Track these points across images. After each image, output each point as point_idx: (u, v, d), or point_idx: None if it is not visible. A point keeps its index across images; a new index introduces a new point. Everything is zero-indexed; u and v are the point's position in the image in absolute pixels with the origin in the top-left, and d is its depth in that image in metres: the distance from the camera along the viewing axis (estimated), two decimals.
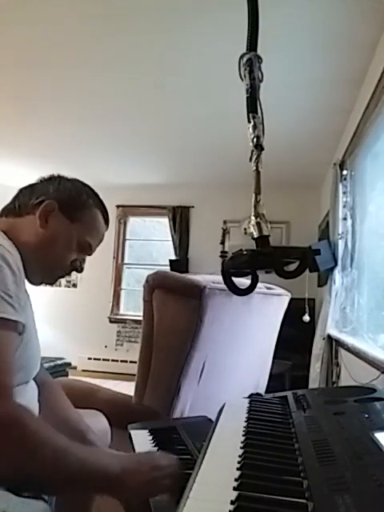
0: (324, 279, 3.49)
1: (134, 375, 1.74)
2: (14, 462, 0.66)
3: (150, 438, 1.07)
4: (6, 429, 0.65)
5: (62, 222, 0.98)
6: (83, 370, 5.20)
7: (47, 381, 1.09)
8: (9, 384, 0.71)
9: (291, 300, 2.25)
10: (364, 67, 2.42)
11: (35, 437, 0.68)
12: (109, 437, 1.29)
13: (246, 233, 0.92)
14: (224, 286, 1.01)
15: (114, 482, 0.71)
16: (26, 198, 1.00)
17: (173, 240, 5.29)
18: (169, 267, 5.11)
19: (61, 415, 1.02)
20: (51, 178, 1.05)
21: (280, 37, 2.22)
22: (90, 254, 1.07)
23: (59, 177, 1.06)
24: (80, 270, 1.05)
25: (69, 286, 5.57)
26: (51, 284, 1.06)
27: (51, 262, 0.99)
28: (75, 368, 5.19)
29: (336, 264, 3.06)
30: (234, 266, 0.98)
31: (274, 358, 2.34)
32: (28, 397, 0.90)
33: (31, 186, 1.04)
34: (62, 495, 0.78)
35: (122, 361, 5.20)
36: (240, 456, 0.64)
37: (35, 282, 1.01)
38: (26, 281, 0.95)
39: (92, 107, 3.27)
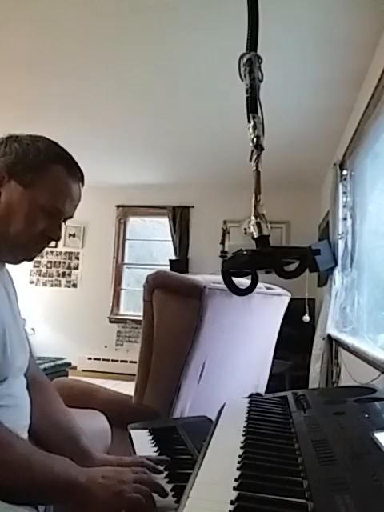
0: (324, 279, 3.49)
1: (134, 375, 1.74)
2: None
3: (150, 437, 1.07)
4: None
5: (16, 191, 0.85)
6: (83, 370, 5.19)
7: (39, 379, 1.03)
8: None
9: (291, 300, 2.25)
10: (364, 67, 2.42)
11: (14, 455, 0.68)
12: (109, 437, 1.29)
13: (245, 233, 0.92)
14: (224, 286, 1.00)
15: (80, 491, 0.69)
16: None
17: (173, 240, 5.29)
18: (169, 267, 5.11)
19: (52, 418, 0.97)
20: (3, 141, 0.90)
21: (280, 37, 2.22)
22: (65, 218, 0.93)
23: (7, 138, 0.90)
24: (56, 237, 0.91)
25: (69, 286, 5.57)
26: (31, 259, 0.93)
27: (17, 238, 0.86)
28: (75, 368, 5.19)
29: (336, 264, 3.06)
30: (234, 265, 0.98)
31: (274, 358, 2.34)
32: (17, 394, 0.87)
33: None
34: (29, 503, 0.77)
35: (121, 361, 5.20)
36: (240, 456, 0.64)
37: (12, 261, 0.92)
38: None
39: (92, 107, 3.27)
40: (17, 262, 0.92)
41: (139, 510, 0.68)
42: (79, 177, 0.94)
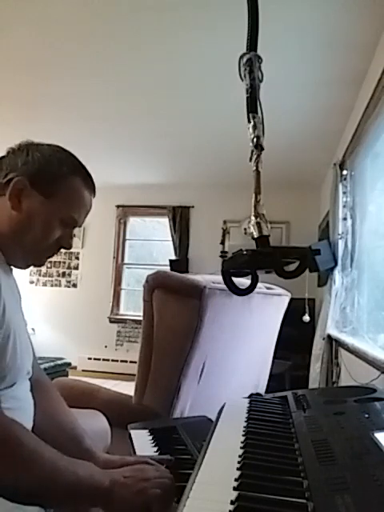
0: (324, 279, 3.49)
1: (134, 375, 1.74)
2: (4, 475, 0.66)
3: (150, 437, 1.06)
4: None
5: (36, 200, 0.87)
6: (83, 370, 5.20)
7: (42, 380, 1.03)
8: None
9: (291, 300, 2.25)
10: (364, 67, 2.42)
11: (26, 450, 0.69)
12: (109, 437, 1.29)
13: (245, 233, 0.92)
14: (224, 286, 1.00)
15: (104, 494, 0.71)
16: None
17: (173, 240, 5.29)
18: (169, 267, 5.11)
19: (55, 419, 0.97)
20: (20, 149, 0.91)
21: (280, 37, 2.22)
22: (78, 226, 0.96)
23: (27, 145, 0.91)
24: (68, 246, 0.94)
25: (69, 286, 5.57)
26: (40, 265, 0.96)
27: (32, 246, 0.89)
28: (75, 368, 5.19)
29: (336, 264, 3.06)
30: (234, 266, 0.98)
31: (274, 358, 2.34)
32: (21, 396, 0.88)
33: (1, 159, 0.91)
34: (55, 507, 0.79)
35: (122, 361, 5.20)
36: (240, 456, 0.64)
37: (21, 266, 0.93)
38: (12, 269, 0.91)
39: (92, 107, 3.27)
40: (26, 267, 0.94)
41: (162, 505, 0.71)
42: (93, 188, 0.97)
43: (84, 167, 0.95)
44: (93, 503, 0.74)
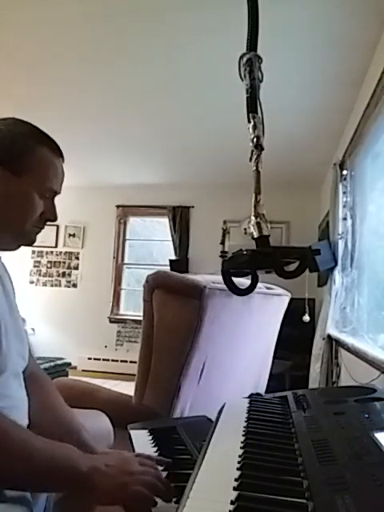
0: (324, 279, 3.49)
1: (134, 375, 1.74)
2: None
3: (150, 437, 1.06)
4: None
5: (9, 180, 0.85)
6: (83, 370, 5.19)
7: (38, 374, 1.02)
8: None
9: (291, 300, 2.25)
10: (364, 67, 2.42)
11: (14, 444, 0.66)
12: (111, 437, 1.29)
13: (245, 233, 0.92)
14: (224, 286, 1.00)
15: (82, 479, 0.67)
16: None
17: (173, 240, 5.29)
18: (169, 267, 5.11)
19: (52, 413, 0.97)
20: None
21: (280, 37, 2.22)
22: (58, 193, 0.94)
23: None
24: (54, 218, 0.93)
25: (69, 286, 5.57)
26: (32, 243, 0.93)
27: (18, 226, 0.87)
28: (75, 368, 5.18)
29: (336, 264, 3.06)
30: (234, 265, 0.98)
31: (274, 357, 2.34)
32: (13, 394, 0.86)
33: None
34: (32, 490, 0.75)
35: (122, 361, 5.20)
36: (240, 456, 0.64)
37: (10, 248, 0.91)
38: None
39: (92, 107, 3.27)
40: (17, 247, 0.92)
41: (142, 505, 0.66)
42: (61, 154, 0.94)
43: (47, 135, 0.93)
44: (69, 488, 0.70)
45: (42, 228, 0.93)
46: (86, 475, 0.67)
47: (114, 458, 0.75)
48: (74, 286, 5.56)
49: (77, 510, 1.15)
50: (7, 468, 0.66)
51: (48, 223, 0.94)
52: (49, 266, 5.60)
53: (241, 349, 1.98)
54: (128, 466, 0.71)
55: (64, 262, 5.59)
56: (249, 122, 0.92)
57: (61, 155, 0.94)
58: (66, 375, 4.66)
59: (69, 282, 5.57)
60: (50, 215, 0.92)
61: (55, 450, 0.70)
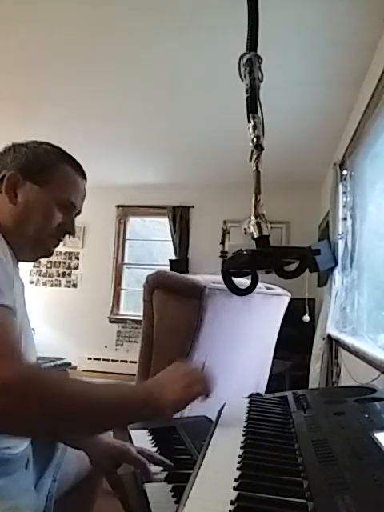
0: (324, 279, 3.49)
1: (134, 375, 1.74)
2: (46, 418, 0.64)
3: (150, 437, 1.07)
4: (27, 388, 0.61)
5: (31, 191, 0.90)
6: (83, 370, 5.19)
7: None
8: (16, 345, 0.69)
9: (291, 300, 2.25)
10: (364, 67, 2.42)
11: (58, 389, 0.67)
12: (111, 437, 1.29)
13: (245, 233, 0.92)
14: (224, 286, 1.01)
15: (150, 397, 0.72)
16: None
17: (173, 240, 5.29)
18: (169, 267, 5.11)
19: None
20: (7, 150, 0.95)
21: (280, 37, 2.22)
22: (78, 213, 0.99)
23: (13, 145, 0.95)
24: (72, 231, 0.97)
25: (69, 286, 5.57)
26: (48, 256, 0.98)
27: (37, 236, 0.91)
28: (75, 368, 5.18)
29: (336, 264, 3.06)
30: (234, 265, 0.98)
31: (274, 358, 2.34)
32: None
33: None
34: (96, 431, 0.80)
35: (121, 361, 5.20)
36: (240, 456, 0.64)
37: (29, 259, 0.95)
38: (20, 264, 0.92)
39: (92, 107, 3.27)
40: (35, 259, 0.96)
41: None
42: (83, 173, 1.00)
43: (71, 156, 0.98)
44: (142, 410, 0.73)
45: (61, 240, 0.97)
46: (151, 392, 0.73)
47: (160, 376, 0.82)
48: (74, 286, 5.56)
49: (78, 508, 1.15)
50: (79, 420, 0.68)
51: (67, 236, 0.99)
52: (49, 266, 5.60)
53: (241, 349, 1.98)
54: (181, 370, 0.81)
55: (64, 262, 5.59)
56: (249, 122, 0.92)
57: (83, 174, 0.99)
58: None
59: (69, 282, 5.57)
60: (68, 228, 0.96)
61: (114, 386, 0.76)
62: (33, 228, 0.90)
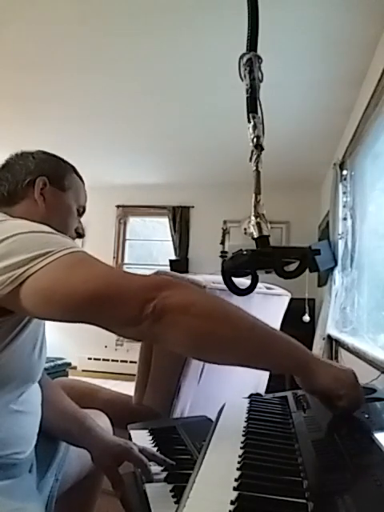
0: (324, 279, 3.49)
1: (134, 375, 1.74)
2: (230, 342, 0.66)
3: (150, 437, 1.07)
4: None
5: (57, 195, 0.96)
6: (83, 370, 5.19)
7: (42, 377, 1.07)
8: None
9: (291, 300, 2.25)
10: (364, 67, 2.42)
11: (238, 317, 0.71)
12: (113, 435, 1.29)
13: (245, 233, 0.92)
14: (224, 286, 1.00)
15: (302, 363, 0.69)
16: (11, 184, 0.93)
17: (173, 240, 5.29)
18: (169, 267, 5.11)
19: (58, 406, 1.02)
20: (22, 155, 0.98)
21: (280, 37, 2.22)
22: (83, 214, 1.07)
23: (26, 153, 0.99)
24: (83, 234, 1.04)
25: None
26: None
27: None
28: (75, 368, 5.18)
29: (336, 264, 3.06)
30: (234, 266, 0.98)
31: None
32: (33, 400, 0.89)
33: (5, 170, 0.96)
34: (251, 364, 0.77)
35: (122, 361, 5.20)
36: (240, 456, 0.64)
37: None
38: None
39: (92, 107, 3.27)
40: None
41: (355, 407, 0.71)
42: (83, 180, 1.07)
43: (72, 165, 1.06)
44: (294, 365, 0.70)
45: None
46: (306, 360, 0.69)
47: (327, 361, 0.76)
48: None
49: (78, 507, 1.15)
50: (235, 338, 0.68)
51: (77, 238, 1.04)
52: None
53: None
54: (343, 374, 0.72)
55: None
56: (249, 122, 0.92)
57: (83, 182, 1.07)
58: (66, 375, 4.66)
59: None
60: (80, 230, 1.03)
61: (281, 334, 0.73)
62: (60, 231, 0.91)
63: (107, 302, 0.63)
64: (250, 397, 1.04)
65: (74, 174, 1.02)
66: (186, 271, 4.99)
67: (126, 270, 0.68)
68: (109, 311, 0.64)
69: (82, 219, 1.05)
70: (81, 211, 1.02)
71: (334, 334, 2.96)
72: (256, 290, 1.06)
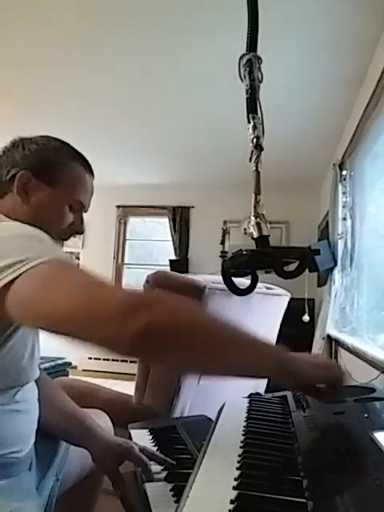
0: (324, 279, 3.49)
1: (134, 375, 1.74)
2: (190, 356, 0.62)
3: (150, 437, 1.07)
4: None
5: (43, 191, 0.88)
6: (83, 370, 5.19)
7: (41, 376, 1.06)
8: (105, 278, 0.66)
9: (291, 300, 2.25)
10: (364, 67, 2.42)
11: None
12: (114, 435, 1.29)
13: (245, 233, 0.92)
14: (224, 286, 1.01)
15: (281, 357, 0.67)
16: None
17: (173, 240, 5.29)
18: (169, 267, 5.11)
19: (57, 405, 1.01)
20: (14, 145, 0.92)
21: (280, 37, 2.22)
22: (86, 211, 0.98)
23: (21, 140, 0.92)
24: (81, 231, 0.96)
25: None
26: None
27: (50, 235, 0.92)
28: (75, 368, 5.18)
29: (336, 264, 3.06)
30: (234, 265, 0.98)
31: None
32: (29, 398, 0.89)
33: None
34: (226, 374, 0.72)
35: (122, 361, 5.20)
36: (240, 455, 0.64)
37: None
38: None
39: (92, 107, 3.27)
40: None
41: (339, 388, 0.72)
42: (91, 170, 0.98)
43: (78, 152, 0.96)
44: (273, 364, 0.67)
45: (67, 240, 0.96)
46: (282, 355, 0.68)
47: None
48: None
49: (79, 507, 1.15)
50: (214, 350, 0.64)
51: (76, 235, 0.97)
52: None
53: None
54: (308, 356, 0.74)
55: None
56: (249, 122, 0.92)
57: (91, 171, 0.98)
58: (67, 375, 4.66)
59: None
60: (77, 228, 0.95)
61: (256, 336, 0.68)
62: (45, 228, 0.86)
63: (81, 323, 0.61)
64: (249, 396, 1.04)
65: (73, 163, 0.93)
66: (186, 271, 4.99)
67: (105, 282, 0.63)
68: (84, 334, 0.63)
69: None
70: (78, 206, 0.93)
71: (334, 333, 2.96)
72: (256, 289, 1.06)
